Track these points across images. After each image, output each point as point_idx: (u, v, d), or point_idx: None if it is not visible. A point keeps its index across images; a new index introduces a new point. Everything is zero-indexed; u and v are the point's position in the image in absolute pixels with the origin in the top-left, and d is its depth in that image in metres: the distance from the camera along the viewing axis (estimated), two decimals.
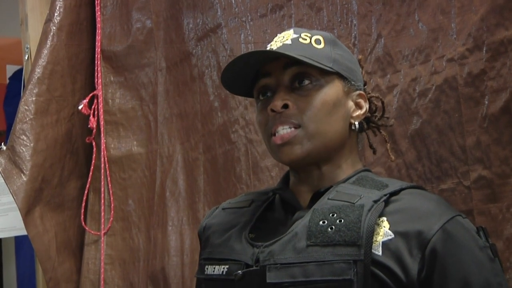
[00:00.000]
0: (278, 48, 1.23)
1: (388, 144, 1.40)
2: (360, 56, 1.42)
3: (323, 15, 1.77)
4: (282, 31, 1.31)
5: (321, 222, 1.11)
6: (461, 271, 1.07)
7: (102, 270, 2.19)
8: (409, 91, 1.58)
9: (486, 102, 1.45)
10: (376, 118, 1.38)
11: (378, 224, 1.10)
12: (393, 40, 1.63)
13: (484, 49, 1.45)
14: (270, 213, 1.29)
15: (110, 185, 2.23)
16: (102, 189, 2.24)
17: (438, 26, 1.54)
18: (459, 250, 1.08)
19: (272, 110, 1.20)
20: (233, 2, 2.00)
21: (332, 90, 1.22)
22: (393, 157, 1.40)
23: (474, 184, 1.46)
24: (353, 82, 1.27)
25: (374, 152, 1.46)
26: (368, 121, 1.35)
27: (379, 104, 1.39)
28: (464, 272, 1.07)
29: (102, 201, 2.23)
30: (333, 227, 1.09)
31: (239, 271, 1.15)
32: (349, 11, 1.72)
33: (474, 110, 1.47)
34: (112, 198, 2.23)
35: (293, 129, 1.19)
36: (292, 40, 1.24)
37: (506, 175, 1.42)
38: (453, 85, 1.50)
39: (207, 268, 1.24)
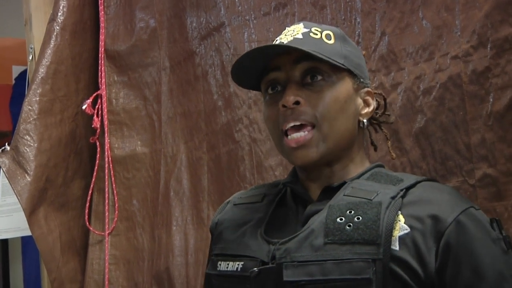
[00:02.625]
0: (289, 42, 1.21)
1: (389, 142, 1.39)
2: (363, 52, 1.41)
3: (326, 13, 1.76)
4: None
5: (338, 219, 1.10)
6: (473, 264, 1.06)
7: (106, 270, 2.19)
8: (413, 89, 1.57)
9: (491, 100, 1.43)
10: (378, 115, 1.37)
11: (394, 219, 1.09)
12: (397, 38, 1.62)
13: (489, 46, 1.44)
14: (282, 207, 1.28)
15: (114, 185, 2.23)
16: (106, 189, 2.24)
17: (442, 23, 1.53)
18: (472, 242, 1.07)
19: (284, 106, 1.19)
20: (237, 0, 1.99)
21: (343, 87, 1.21)
22: (394, 155, 1.39)
23: (479, 182, 1.45)
24: (362, 79, 1.26)
25: (375, 149, 1.46)
26: (369, 118, 1.34)
27: (381, 101, 1.38)
28: (477, 264, 1.06)
29: (106, 201, 2.23)
30: (351, 224, 1.09)
31: (255, 268, 1.14)
32: (353, 9, 1.71)
33: (478, 107, 1.45)
34: (116, 198, 2.23)
35: (307, 132, 1.18)
36: (303, 34, 1.22)
37: (511, 173, 1.41)
38: (458, 83, 1.49)
39: (220, 264, 1.23)
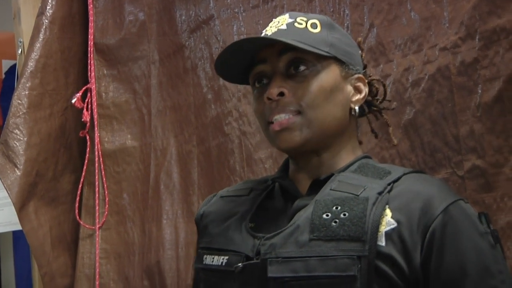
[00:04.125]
0: (273, 33, 1.21)
1: (391, 128, 1.37)
2: (359, 39, 1.39)
3: (315, 5, 1.76)
4: None
5: (324, 215, 1.09)
6: (459, 258, 1.05)
7: (97, 264, 2.18)
8: (402, 81, 1.57)
9: (479, 91, 1.43)
10: (378, 102, 1.36)
11: (381, 215, 1.07)
12: (386, 30, 1.62)
13: (477, 37, 1.44)
14: (270, 202, 1.27)
15: (104, 179, 2.22)
16: (97, 183, 2.23)
17: (431, 15, 1.53)
18: (458, 236, 1.06)
19: (268, 98, 1.18)
20: None
21: (329, 75, 1.20)
22: (395, 141, 1.38)
23: (468, 174, 1.45)
24: (351, 66, 1.24)
25: (376, 137, 1.44)
26: (369, 105, 1.33)
27: (380, 87, 1.36)
28: (462, 258, 1.05)
29: (97, 195, 2.22)
30: (337, 221, 1.07)
31: (240, 264, 1.13)
32: (341, 1, 1.71)
33: (467, 99, 1.45)
34: (106, 192, 2.22)
35: (290, 115, 1.16)
36: (287, 25, 1.21)
37: (500, 164, 1.41)
38: (446, 74, 1.49)
39: (206, 258, 1.22)
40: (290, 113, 1.17)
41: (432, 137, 1.52)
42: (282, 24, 1.22)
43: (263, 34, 1.25)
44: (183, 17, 2.11)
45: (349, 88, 1.24)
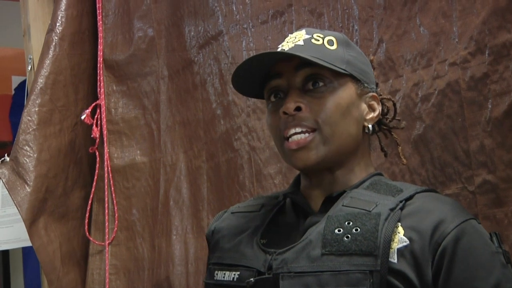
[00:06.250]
0: (290, 48, 1.21)
1: (400, 147, 1.38)
2: (372, 57, 1.40)
3: (324, 20, 1.76)
4: (283, 37, 1.29)
5: (336, 230, 1.09)
6: (469, 274, 1.05)
7: (107, 280, 2.18)
8: (412, 96, 1.57)
9: (490, 106, 1.43)
10: (388, 120, 1.36)
11: (393, 231, 1.08)
12: (395, 45, 1.61)
13: (487, 52, 1.44)
14: (281, 217, 1.27)
15: (114, 195, 2.23)
16: (106, 199, 2.23)
17: (440, 30, 1.53)
18: (470, 252, 1.06)
19: (285, 113, 1.18)
20: (234, 9, 1.99)
21: (346, 92, 1.20)
22: (405, 160, 1.38)
23: (479, 189, 1.45)
24: (366, 84, 1.24)
25: (386, 155, 1.45)
26: (379, 123, 1.33)
27: (391, 106, 1.37)
28: (472, 275, 1.05)
29: (106, 211, 2.22)
30: (349, 236, 1.07)
31: (251, 279, 1.13)
32: (350, 16, 1.71)
33: (477, 114, 1.45)
34: (116, 208, 2.22)
35: (307, 134, 1.17)
36: (304, 40, 1.22)
37: (510, 179, 1.40)
38: (456, 89, 1.49)
39: (217, 274, 1.22)
40: (305, 128, 1.17)
41: (442, 152, 1.51)
42: (299, 40, 1.22)
43: (279, 49, 1.25)
44: (192, 33, 2.12)
45: (364, 106, 1.24)
